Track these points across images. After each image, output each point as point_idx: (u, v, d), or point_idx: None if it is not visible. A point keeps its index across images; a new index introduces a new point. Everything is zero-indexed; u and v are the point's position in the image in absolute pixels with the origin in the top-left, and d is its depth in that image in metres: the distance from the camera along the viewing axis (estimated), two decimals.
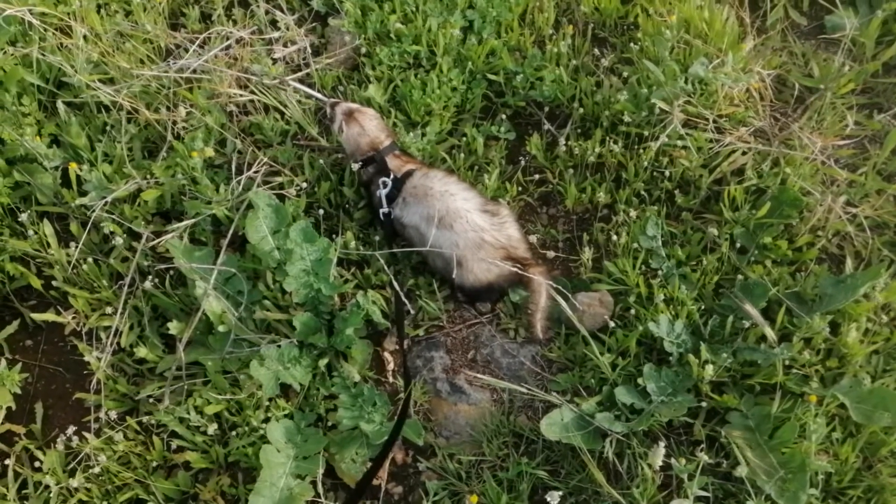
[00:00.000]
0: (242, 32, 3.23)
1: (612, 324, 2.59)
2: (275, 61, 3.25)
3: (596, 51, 3.22)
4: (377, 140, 2.87)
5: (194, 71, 3.09)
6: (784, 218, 2.70)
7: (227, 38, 3.25)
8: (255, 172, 2.94)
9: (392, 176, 2.80)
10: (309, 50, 3.30)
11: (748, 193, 2.77)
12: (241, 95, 3.05)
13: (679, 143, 2.84)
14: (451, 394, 2.66)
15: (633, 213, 2.80)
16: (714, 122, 2.89)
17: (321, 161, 3.00)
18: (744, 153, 2.89)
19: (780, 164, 2.82)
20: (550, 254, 2.92)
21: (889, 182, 2.82)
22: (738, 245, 2.73)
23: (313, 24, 3.47)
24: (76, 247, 2.85)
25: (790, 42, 3.20)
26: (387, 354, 2.75)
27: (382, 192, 2.79)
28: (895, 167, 2.84)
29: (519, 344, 2.74)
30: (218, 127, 3.04)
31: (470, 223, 2.62)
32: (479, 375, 2.66)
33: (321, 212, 2.91)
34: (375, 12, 3.30)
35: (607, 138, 2.95)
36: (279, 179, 2.98)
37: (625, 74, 3.08)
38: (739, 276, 2.64)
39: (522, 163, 3.05)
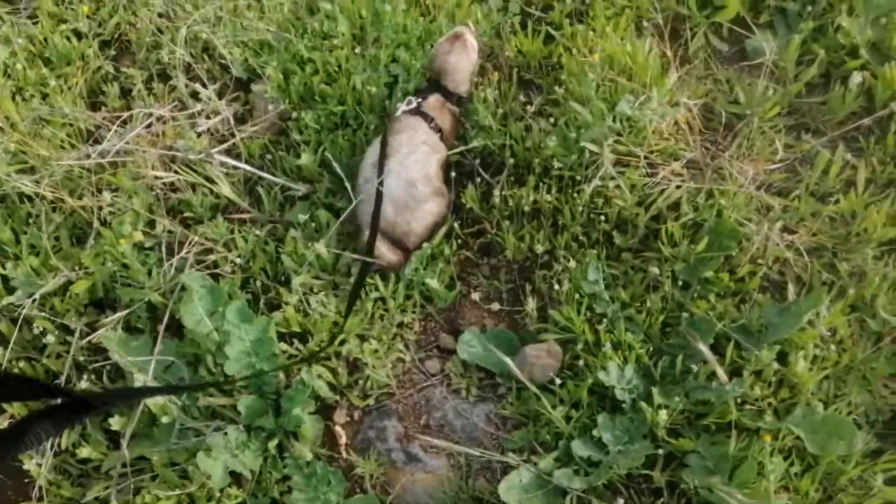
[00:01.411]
0: (163, 110, 3.21)
1: (557, 380, 2.59)
2: (199, 135, 3.22)
3: (522, 96, 3.25)
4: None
5: (117, 153, 3.06)
6: (723, 250, 2.74)
7: (149, 116, 3.22)
8: (187, 253, 2.90)
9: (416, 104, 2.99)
10: (232, 120, 3.29)
11: (685, 228, 2.81)
12: (166, 175, 3.02)
13: (612, 183, 2.86)
14: (407, 463, 2.64)
15: (572, 263, 2.81)
16: (645, 158, 2.93)
17: (255, 233, 2.98)
18: (678, 186, 2.92)
19: (714, 196, 2.85)
20: (495, 306, 2.92)
21: (823, 203, 2.87)
22: (680, 281, 2.75)
23: (236, 93, 3.46)
24: (7, 348, 2.79)
25: (714, 69, 3.25)
26: (338, 428, 2.73)
27: (402, 106, 3.01)
28: (827, 187, 2.89)
29: (471, 404, 2.74)
30: (145, 210, 3.01)
31: None
32: (434, 441, 2.64)
33: (258, 284, 2.89)
34: (298, 75, 3.30)
35: (541, 184, 2.97)
36: (212, 257, 2.95)
37: (553, 117, 3.10)
38: (685, 314, 2.66)
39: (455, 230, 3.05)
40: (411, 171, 2.83)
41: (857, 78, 2.95)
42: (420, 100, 3.06)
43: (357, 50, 3.32)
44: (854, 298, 2.69)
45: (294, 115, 3.26)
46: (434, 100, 3.06)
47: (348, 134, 3.20)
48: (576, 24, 3.34)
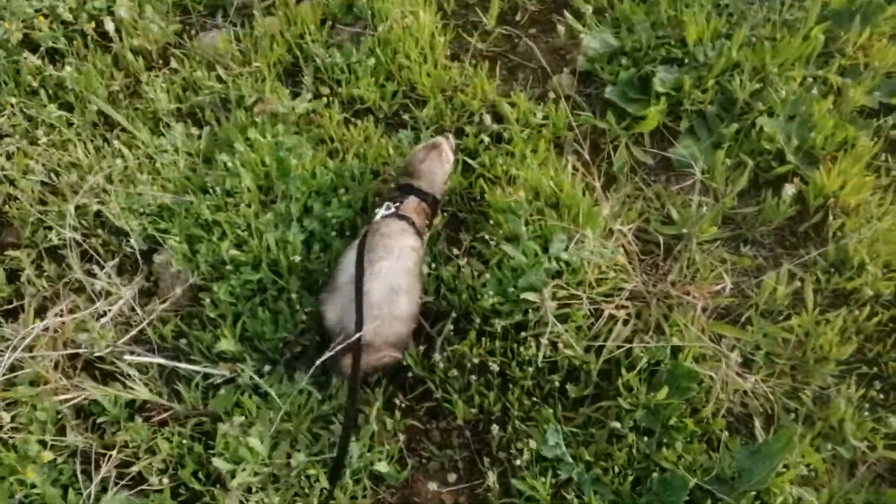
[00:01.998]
0: (62, 305, 2.94)
1: None
2: (102, 324, 2.95)
3: (451, 233, 3.11)
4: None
5: (11, 367, 2.77)
6: (683, 393, 2.63)
7: (43, 312, 2.94)
8: (107, 471, 2.63)
9: (394, 208, 2.92)
10: (137, 300, 3.04)
11: (641, 372, 2.68)
12: (70, 384, 2.74)
13: (556, 329, 2.72)
14: None
15: (529, 429, 2.65)
16: (588, 298, 2.80)
17: (179, 431, 2.72)
18: (626, 322, 2.81)
19: (664, 332, 2.75)
20: (452, 477, 2.74)
21: (774, 322, 2.81)
22: (643, 429, 2.63)
23: (138, 267, 3.21)
24: None
25: (643, 188, 3.18)
26: None
27: (381, 211, 2.93)
28: (776, 306, 2.83)
29: None
30: (52, 423, 2.72)
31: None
32: None
33: (190, 492, 2.64)
34: (205, 242, 3.08)
35: (484, 338, 2.81)
36: (135, 468, 2.68)
37: (484, 258, 2.96)
38: (655, 474, 2.52)
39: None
40: (399, 278, 2.73)
41: (789, 189, 2.92)
42: (398, 204, 2.95)
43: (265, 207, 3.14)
44: (821, 427, 2.61)
45: (207, 286, 3.02)
46: (412, 202, 2.98)
47: (268, 302, 2.98)
48: (492, 148, 3.25)
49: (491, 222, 3.07)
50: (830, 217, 3.02)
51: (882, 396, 2.71)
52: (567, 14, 3.68)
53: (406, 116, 3.51)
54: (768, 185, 3.14)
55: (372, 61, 3.53)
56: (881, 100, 3.28)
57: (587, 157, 3.25)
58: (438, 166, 3.07)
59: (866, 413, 2.62)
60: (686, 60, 3.41)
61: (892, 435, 2.61)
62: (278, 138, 3.33)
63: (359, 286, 2.66)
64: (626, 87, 3.37)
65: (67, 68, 3.62)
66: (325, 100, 3.49)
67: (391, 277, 2.71)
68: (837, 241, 2.94)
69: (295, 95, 3.59)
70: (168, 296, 3.08)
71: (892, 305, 2.88)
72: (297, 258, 3.01)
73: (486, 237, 3.02)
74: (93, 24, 3.75)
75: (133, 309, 3.06)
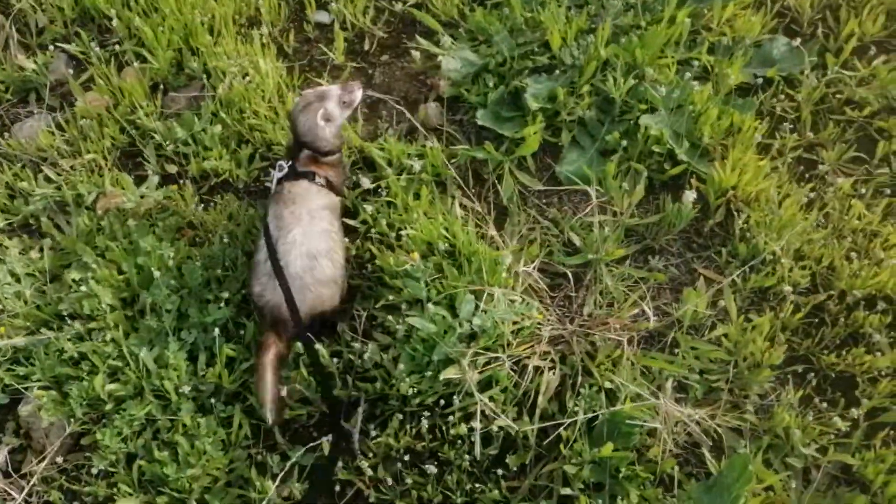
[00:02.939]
0: None
1: None
2: None
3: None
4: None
5: None
6: (626, 440, 2.54)
7: None
8: None
9: (288, 166, 2.85)
10: (8, 466, 2.72)
11: (580, 427, 2.57)
12: None
13: (483, 399, 2.58)
14: None
15: None
16: (508, 355, 2.67)
17: None
18: (552, 369, 2.69)
19: (593, 374, 2.65)
20: None
21: (700, 336, 2.75)
22: (592, 484, 2.53)
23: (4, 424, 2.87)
24: None
25: (537, 219, 3.05)
26: None
27: (276, 174, 2.86)
28: (700, 319, 2.78)
29: None
30: None
31: None
32: None
33: None
34: (75, 383, 2.77)
35: (407, 424, 2.64)
36: None
37: (390, 332, 2.78)
38: None
39: None
40: (315, 242, 2.70)
41: (690, 196, 2.85)
42: (290, 162, 2.87)
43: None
44: (769, 440, 2.58)
45: (90, 430, 2.75)
46: (306, 156, 2.88)
47: (162, 434, 2.72)
48: (371, 202, 3.05)
49: (389, 288, 2.85)
50: (735, 213, 2.96)
51: (820, 395, 2.68)
52: (418, 37, 3.46)
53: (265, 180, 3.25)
54: (665, 187, 3.07)
55: (218, 128, 3.23)
56: (756, 73, 3.22)
57: (472, 192, 3.11)
58: (314, 125, 2.86)
59: (810, 417, 2.58)
60: (554, 67, 3.26)
61: (841, 434, 2.59)
62: (132, 238, 3.02)
63: (274, 260, 2.66)
64: (497, 108, 3.22)
65: None
66: (174, 186, 3.20)
67: (307, 243, 2.67)
68: (745, 237, 2.89)
69: (140, 180, 3.26)
70: (45, 452, 2.76)
71: (812, 292, 2.85)
72: (184, 377, 2.73)
73: (388, 307, 2.82)
74: None
75: (8, 475, 2.73)
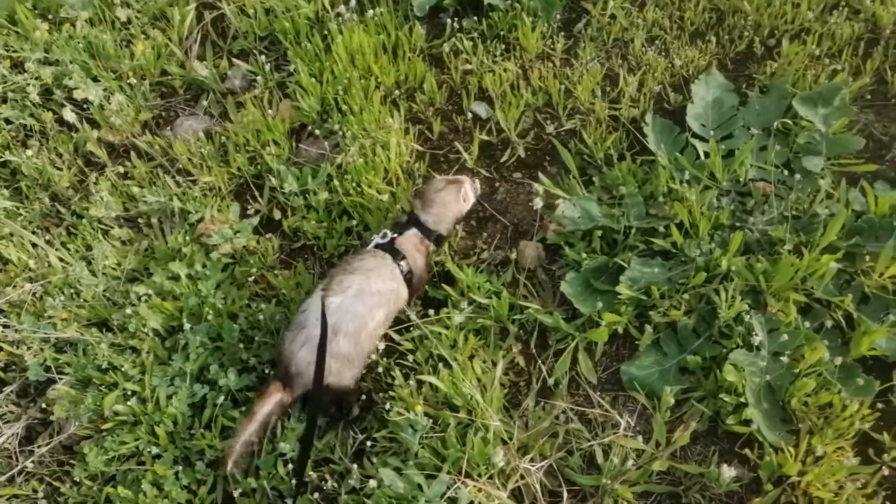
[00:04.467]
0: None
1: None
2: None
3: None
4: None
5: None
6: None
7: None
8: None
9: (390, 239, 2.98)
10: (16, 438, 3.08)
11: None
12: None
13: None
14: None
15: None
16: None
17: None
18: None
19: None
20: None
21: None
22: None
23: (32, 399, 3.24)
24: None
25: (579, 407, 2.87)
26: None
27: (376, 238, 3.01)
28: None
29: None
30: None
31: None
32: None
33: None
34: (93, 390, 3.06)
35: None
36: None
37: (366, 471, 2.78)
38: None
39: None
40: (345, 319, 2.76)
41: (727, 472, 2.54)
42: (395, 235, 2.99)
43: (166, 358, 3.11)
44: None
45: (90, 435, 3.04)
46: (412, 235, 3.01)
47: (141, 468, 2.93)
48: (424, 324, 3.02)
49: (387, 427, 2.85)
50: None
51: None
52: (541, 175, 3.35)
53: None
54: (725, 438, 2.75)
55: (325, 195, 3.36)
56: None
57: (533, 350, 3.04)
58: (454, 202, 3.08)
59: None
60: (674, 255, 3.02)
61: None
62: (204, 271, 3.27)
63: (324, 318, 2.72)
64: (592, 276, 3.04)
65: (28, 152, 3.67)
66: (260, 237, 3.39)
67: (336, 316, 2.73)
68: None
69: (249, 214, 3.48)
70: (52, 440, 3.09)
71: None
72: (182, 426, 2.93)
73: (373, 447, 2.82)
74: (50, 115, 3.77)
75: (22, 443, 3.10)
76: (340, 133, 3.52)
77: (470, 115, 3.62)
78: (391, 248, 2.94)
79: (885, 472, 2.57)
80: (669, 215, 3.09)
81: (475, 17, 3.78)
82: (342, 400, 2.89)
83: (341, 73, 3.62)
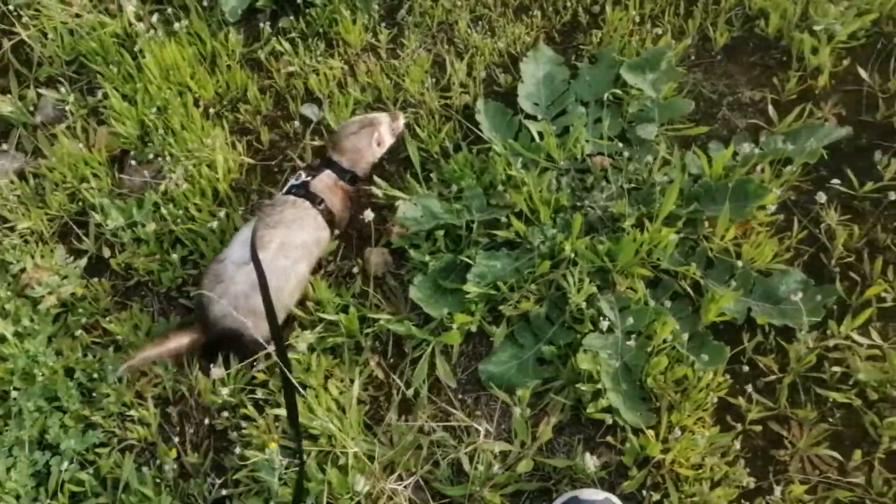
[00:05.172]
0: None
1: None
2: None
3: None
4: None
5: None
6: None
7: None
8: None
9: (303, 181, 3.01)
10: None
11: None
12: None
13: None
14: None
15: None
16: None
17: None
18: None
19: None
20: None
21: None
22: None
23: None
24: None
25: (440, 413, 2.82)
26: None
27: (291, 180, 3.04)
28: None
29: None
30: None
31: None
32: None
33: None
34: None
35: None
36: None
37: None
38: None
39: None
40: (270, 278, 2.76)
41: (590, 461, 2.53)
42: (309, 178, 3.01)
43: None
44: None
45: None
46: (325, 177, 3.05)
47: None
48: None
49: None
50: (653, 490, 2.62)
51: None
52: (377, 179, 3.26)
53: (190, 290, 3.17)
54: (589, 425, 2.73)
55: (152, 227, 3.19)
56: (752, 307, 2.80)
57: (391, 360, 2.99)
58: (367, 146, 3.10)
59: None
60: (519, 244, 2.98)
61: None
62: (33, 326, 3.09)
63: (260, 273, 2.76)
64: (441, 276, 2.97)
65: None
66: (88, 282, 3.21)
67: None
68: None
69: (76, 255, 3.28)
70: None
71: None
72: (24, 498, 2.76)
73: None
74: None
75: None
76: (163, 156, 3.33)
77: (299, 119, 3.47)
78: (307, 193, 2.95)
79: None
80: (510, 204, 3.03)
81: (292, 17, 3.63)
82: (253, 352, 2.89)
83: (157, 92, 3.42)
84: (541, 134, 3.16)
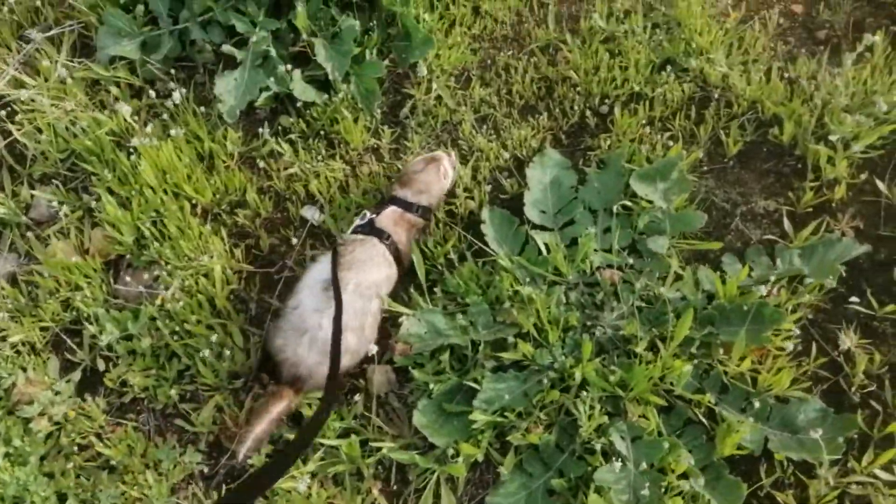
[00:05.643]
0: None
1: None
2: None
3: None
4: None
5: None
6: None
7: None
8: None
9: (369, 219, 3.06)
10: None
11: None
12: None
13: None
14: None
15: None
16: None
17: None
18: None
19: None
20: None
21: None
22: None
23: None
24: None
25: None
26: None
27: (357, 221, 3.09)
28: None
29: None
30: None
31: None
32: None
33: None
34: None
35: None
36: None
37: None
38: None
39: None
40: (349, 318, 2.80)
41: None
42: (374, 215, 3.06)
43: None
44: None
45: None
46: (390, 212, 3.08)
47: None
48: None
49: None
50: None
51: None
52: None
53: (186, 406, 3.09)
54: None
55: (147, 342, 3.11)
56: (769, 434, 2.71)
57: (394, 487, 2.90)
58: (435, 180, 3.15)
59: None
60: (527, 366, 2.89)
61: None
62: (24, 446, 3.00)
63: (338, 315, 2.77)
64: (446, 400, 2.89)
65: None
66: (88, 401, 3.12)
67: (343, 316, 2.76)
68: None
69: (70, 367, 3.20)
70: None
71: None
72: None
73: None
74: None
75: None
76: (160, 264, 3.26)
77: (299, 222, 3.40)
78: (373, 229, 3.00)
79: None
80: (518, 321, 2.95)
81: (293, 117, 3.55)
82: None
83: (153, 196, 3.34)
84: (548, 246, 3.07)
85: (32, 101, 3.59)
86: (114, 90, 3.64)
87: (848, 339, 2.87)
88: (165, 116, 3.45)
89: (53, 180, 3.58)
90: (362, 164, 3.47)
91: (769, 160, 3.30)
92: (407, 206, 3.07)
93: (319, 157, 3.46)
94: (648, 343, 2.87)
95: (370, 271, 2.92)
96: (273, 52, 3.46)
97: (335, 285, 2.79)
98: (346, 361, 2.81)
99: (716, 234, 3.15)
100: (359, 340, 2.85)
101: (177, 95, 3.42)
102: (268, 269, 3.35)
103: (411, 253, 3.11)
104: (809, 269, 2.95)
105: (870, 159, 3.19)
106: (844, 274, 2.94)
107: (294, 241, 3.31)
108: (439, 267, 3.18)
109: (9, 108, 3.61)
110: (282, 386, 2.83)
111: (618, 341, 2.95)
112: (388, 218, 3.06)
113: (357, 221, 3.06)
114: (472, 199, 3.31)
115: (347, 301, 2.79)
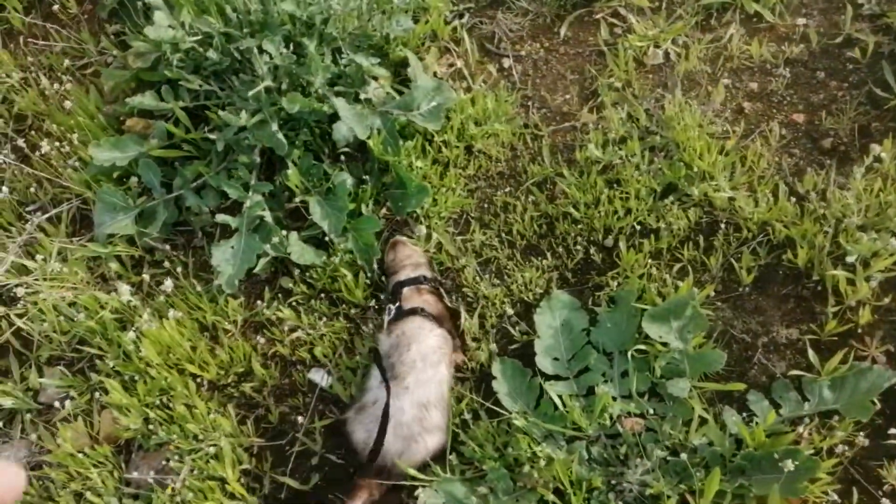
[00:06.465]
0: None
1: None
2: None
3: None
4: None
5: None
6: None
7: None
8: None
9: (398, 305, 3.11)
10: None
11: None
12: None
13: None
14: None
15: None
16: None
17: None
18: None
19: None
20: None
21: None
22: None
23: None
24: None
25: None
26: None
27: (386, 318, 3.13)
28: None
29: None
30: None
31: None
32: None
33: None
34: None
35: None
36: None
37: None
38: None
39: None
40: (428, 391, 2.89)
41: None
42: (398, 303, 3.12)
43: None
44: None
45: None
46: (409, 290, 3.16)
47: None
48: None
49: None
50: None
51: None
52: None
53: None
54: None
55: None
56: None
57: None
58: (409, 252, 3.30)
59: None
60: None
61: None
62: None
63: (386, 409, 2.86)
64: None
65: None
66: None
67: (420, 391, 2.87)
68: None
69: None
70: None
71: None
72: None
73: None
74: None
75: None
76: (169, 447, 3.20)
77: (308, 384, 3.33)
78: (405, 311, 3.09)
79: None
80: (539, 484, 2.84)
81: (294, 277, 3.52)
82: None
83: (158, 375, 3.30)
84: (562, 399, 2.97)
85: (35, 282, 3.60)
86: (113, 266, 3.63)
87: (892, 477, 2.71)
88: (166, 289, 3.42)
89: (60, 362, 3.56)
90: (366, 320, 3.40)
91: (787, 284, 3.18)
92: (414, 281, 3.17)
93: (322, 319, 3.40)
94: (678, 501, 2.73)
95: (426, 339, 2.99)
96: (268, 216, 3.44)
97: (384, 377, 2.93)
98: (437, 441, 2.90)
99: (737, 370, 3.03)
100: (443, 415, 2.91)
101: (168, 283, 3.40)
102: (279, 440, 3.27)
103: (444, 311, 3.20)
104: (841, 404, 2.83)
105: (892, 277, 3.05)
106: (879, 405, 2.78)
107: (301, 419, 3.23)
108: (454, 428, 3.08)
109: (12, 294, 3.61)
110: (364, 479, 2.88)
111: (646, 499, 2.81)
112: (411, 295, 3.14)
113: (387, 317, 3.12)
114: (481, 349, 3.22)
115: (420, 378, 2.89)
